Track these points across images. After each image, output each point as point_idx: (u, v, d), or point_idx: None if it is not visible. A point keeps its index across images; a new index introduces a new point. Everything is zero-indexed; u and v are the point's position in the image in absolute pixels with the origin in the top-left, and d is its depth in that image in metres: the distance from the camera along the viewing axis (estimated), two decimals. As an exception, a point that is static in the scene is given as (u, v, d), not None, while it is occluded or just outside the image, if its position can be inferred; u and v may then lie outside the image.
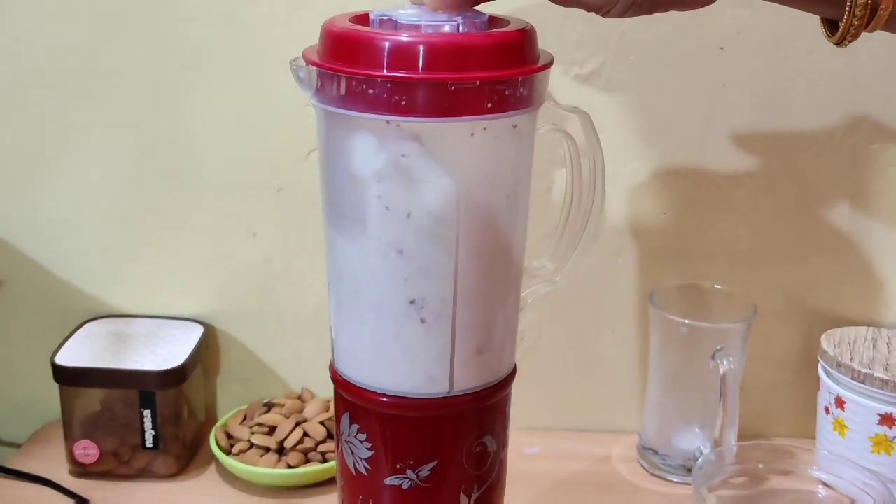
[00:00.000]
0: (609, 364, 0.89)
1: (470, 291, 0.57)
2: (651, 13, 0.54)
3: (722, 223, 0.84)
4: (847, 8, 0.54)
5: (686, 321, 0.79)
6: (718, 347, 0.78)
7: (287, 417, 0.83)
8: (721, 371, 0.77)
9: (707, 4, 0.55)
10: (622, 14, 0.53)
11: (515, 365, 0.63)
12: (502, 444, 0.63)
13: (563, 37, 0.79)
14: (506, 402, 0.63)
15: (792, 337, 0.87)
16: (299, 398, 0.87)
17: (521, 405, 0.69)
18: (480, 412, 0.61)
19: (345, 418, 0.61)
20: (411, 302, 0.57)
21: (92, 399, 0.81)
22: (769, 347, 0.87)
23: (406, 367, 0.59)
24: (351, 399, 0.61)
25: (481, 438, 0.61)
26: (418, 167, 0.54)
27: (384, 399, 0.59)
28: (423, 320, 0.57)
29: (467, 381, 0.59)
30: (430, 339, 0.58)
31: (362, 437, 0.60)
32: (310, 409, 0.85)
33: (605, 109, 0.81)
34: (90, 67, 0.81)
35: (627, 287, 0.86)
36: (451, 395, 0.59)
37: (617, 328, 0.87)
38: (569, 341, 0.88)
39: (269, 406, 0.86)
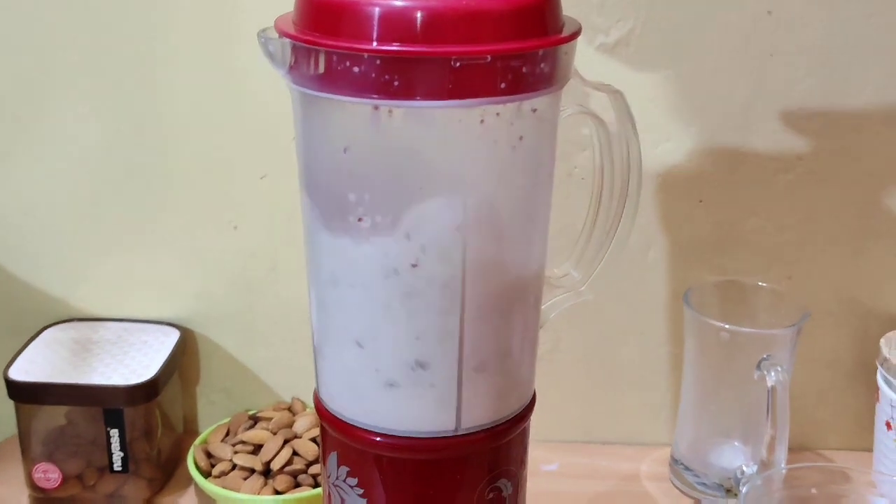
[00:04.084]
0: (637, 369, 0.82)
1: (480, 310, 0.49)
2: None
3: (766, 212, 0.77)
4: None
5: (727, 326, 0.71)
6: (765, 356, 0.70)
7: (274, 434, 0.76)
8: (769, 384, 0.69)
9: None
10: None
11: (535, 392, 0.54)
12: (519, 486, 0.54)
13: (585, -2, 0.72)
14: (523, 437, 0.54)
15: (844, 339, 0.80)
16: (289, 409, 0.80)
17: (538, 415, 0.61)
18: (494, 452, 0.52)
19: (332, 459, 0.53)
20: (398, 324, 0.48)
21: (53, 416, 0.74)
22: (817, 349, 0.80)
23: (404, 400, 0.50)
24: (339, 437, 0.52)
25: (495, 482, 0.53)
26: (415, 164, 0.45)
27: (378, 439, 0.51)
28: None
29: (477, 415, 0.51)
30: (432, 365, 0.49)
31: (353, 481, 0.52)
32: (300, 424, 0.77)
33: (634, 83, 0.73)
34: (44, 43, 0.74)
35: (658, 284, 0.79)
36: (459, 433, 0.51)
37: (646, 330, 0.81)
38: (591, 344, 0.81)
39: (254, 420, 0.79)
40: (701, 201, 0.76)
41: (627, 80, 0.71)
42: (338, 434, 0.52)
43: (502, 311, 0.49)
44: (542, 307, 0.54)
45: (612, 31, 0.72)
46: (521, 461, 0.55)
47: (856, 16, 0.71)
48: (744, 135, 0.75)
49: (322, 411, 0.53)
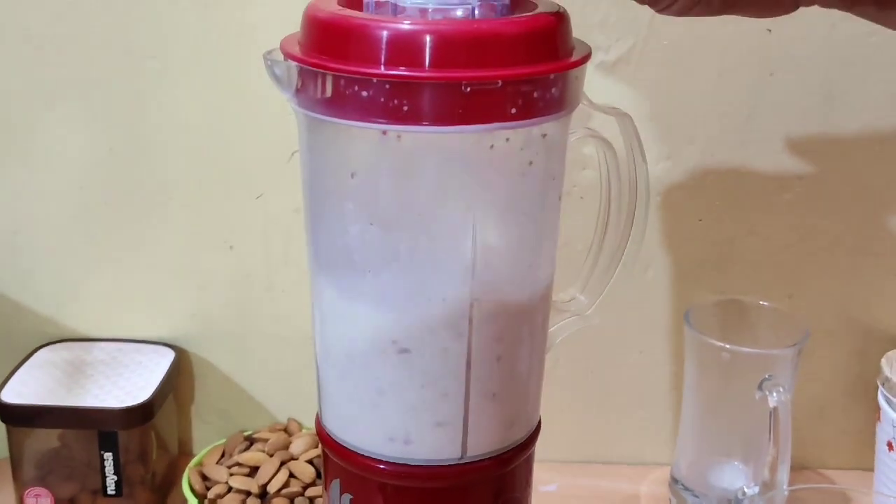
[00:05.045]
0: (636, 389, 0.81)
1: (488, 336, 0.48)
2: (721, 14, 0.45)
3: (766, 231, 0.76)
4: None
5: (728, 346, 0.70)
6: (766, 376, 0.70)
7: (271, 456, 0.75)
8: (771, 404, 0.69)
9: (789, 12, 0.47)
10: (685, 11, 0.44)
11: (540, 419, 0.53)
12: (525, 512, 0.53)
13: (586, 16, 0.71)
14: (529, 462, 0.53)
15: (844, 357, 0.80)
16: (285, 430, 0.79)
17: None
18: (499, 479, 0.51)
19: (335, 486, 0.52)
20: (404, 350, 0.47)
21: (45, 439, 0.72)
22: (817, 368, 0.79)
23: (409, 427, 0.49)
24: (342, 463, 0.51)
25: (501, 510, 0.51)
26: (423, 190, 0.44)
27: (382, 466, 0.50)
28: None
29: (484, 443, 0.50)
30: (438, 393, 0.48)
31: (356, 510, 0.51)
32: (297, 445, 0.76)
33: (634, 101, 0.73)
34: (36, 59, 0.73)
35: (658, 303, 0.78)
36: (464, 461, 0.50)
37: (645, 349, 0.80)
38: (591, 363, 0.80)
39: (250, 441, 0.78)
40: (700, 220, 0.76)
41: (627, 98, 0.72)
42: (340, 460, 0.51)
43: (510, 338, 0.49)
44: (549, 331, 0.53)
45: (612, 50, 0.71)
46: (527, 485, 0.54)
47: (856, 35, 0.71)
48: (743, 153, 0.74)
49: (324, 437, 0.52)
